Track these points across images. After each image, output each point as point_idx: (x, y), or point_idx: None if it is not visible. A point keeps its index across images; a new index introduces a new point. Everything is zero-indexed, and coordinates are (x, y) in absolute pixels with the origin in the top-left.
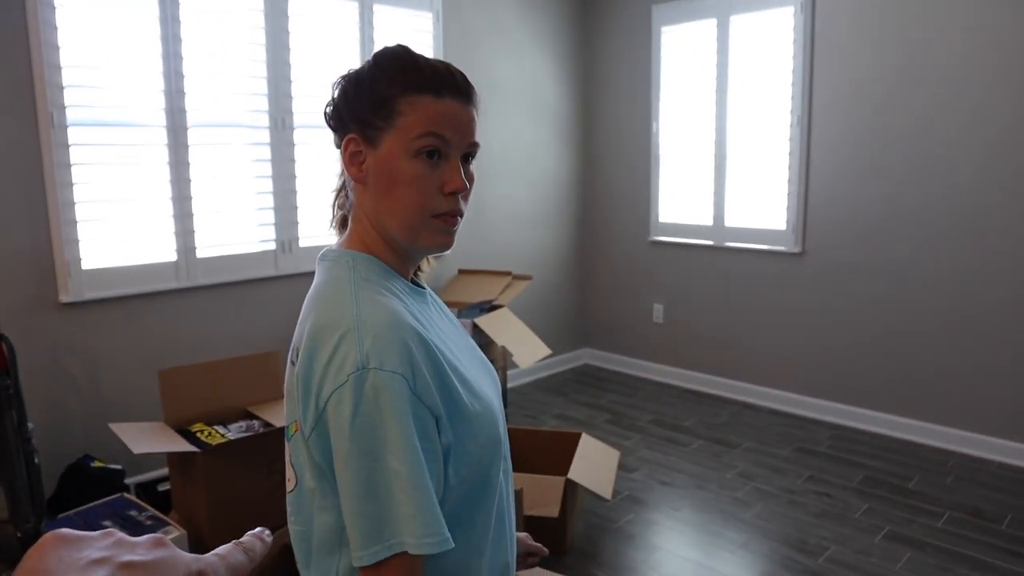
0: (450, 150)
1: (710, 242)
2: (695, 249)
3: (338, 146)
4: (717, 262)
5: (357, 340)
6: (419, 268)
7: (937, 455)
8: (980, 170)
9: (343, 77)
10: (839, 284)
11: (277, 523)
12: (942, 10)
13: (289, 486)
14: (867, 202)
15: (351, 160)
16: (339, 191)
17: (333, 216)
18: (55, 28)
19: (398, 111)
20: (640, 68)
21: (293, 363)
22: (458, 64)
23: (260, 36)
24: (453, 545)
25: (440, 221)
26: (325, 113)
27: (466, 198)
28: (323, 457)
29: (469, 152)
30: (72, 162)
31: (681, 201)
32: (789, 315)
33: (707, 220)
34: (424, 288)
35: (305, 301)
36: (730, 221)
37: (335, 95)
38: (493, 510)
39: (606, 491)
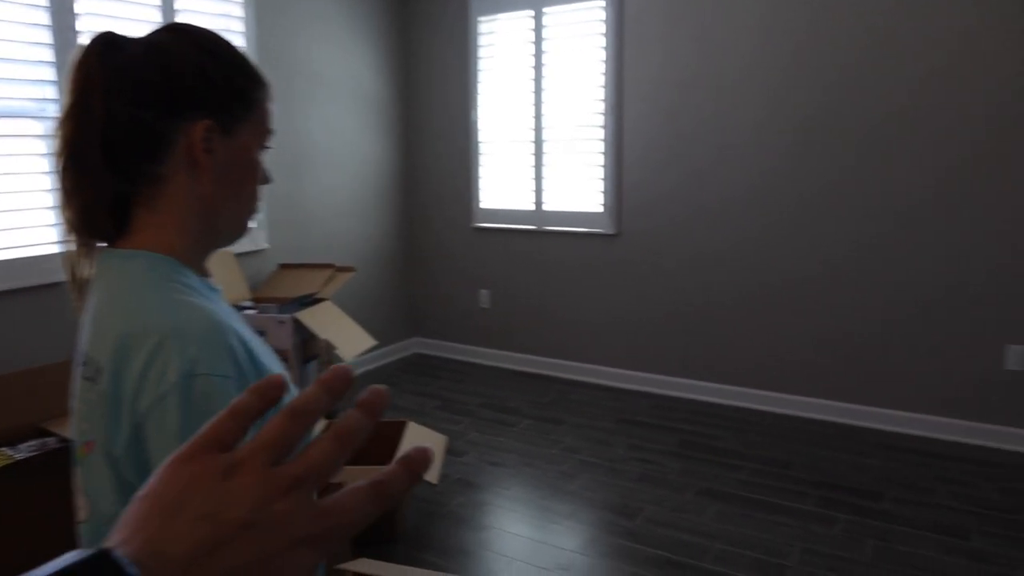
0: None
1: (532, 227)
2: (517, 234)
3: (152, 125)
4: (539, 246)
5: (179, 347)
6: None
7: (742, 415)
8: (773, 153)
9: (158, 52)
10: (651, 263)
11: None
12: (738, 3)
13: (81, 515)
14: (674, 185)
15: (202, 146)
16: (73, 195)
17: (72, 227)
18: None
19: (255, 102)
20: (458, 57)
21: (89, 378)
22: (274, 52)
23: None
24: None
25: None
26: (148, 81)
27: None
28: (138, 474)
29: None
30: None
31: (503, 187)
32: (608, 293)
33: (529, 205)
34: (217, 285)
35: (95, 308)
36: (550, 205)
37: (146, 72)
38: None
39: (433, 476)
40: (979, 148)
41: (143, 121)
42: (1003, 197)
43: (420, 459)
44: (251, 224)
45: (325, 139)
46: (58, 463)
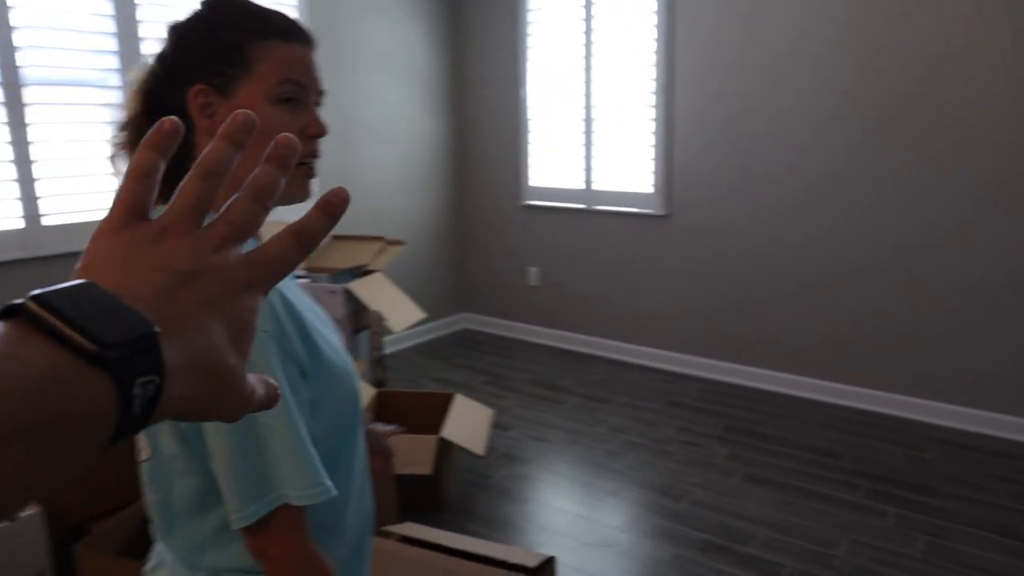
0: (307, 96)
1: (581, 206)
2: (567, 213)
3: (166, 96)
4: (588, 225)
5: None
6: None
7: (792, 402)
8: (828, 134)
9: (173, 27)
10: (702, 245)
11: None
12: None
13: (143, 455)
14: (726, 166)
15: (201, 112)
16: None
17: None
18: None
19: (252, 57)
20: (508, 33)
21: None
22: (323, 25)
23: None
24: (336, 493)
25: (302, 170)
26: (154, 68)
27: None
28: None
29: (318, 100)
30: None
31: (552, 165)
32: (657, 275)
33: (578, 184)
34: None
35: None
36: (600, 185)
37: (166, 47)
38: (356, 462)
39: (479, 448)
40: None
41: (164, 93)
42: None
43: (337, 202)
44: (291, 184)
45: (376, 113)
46: None
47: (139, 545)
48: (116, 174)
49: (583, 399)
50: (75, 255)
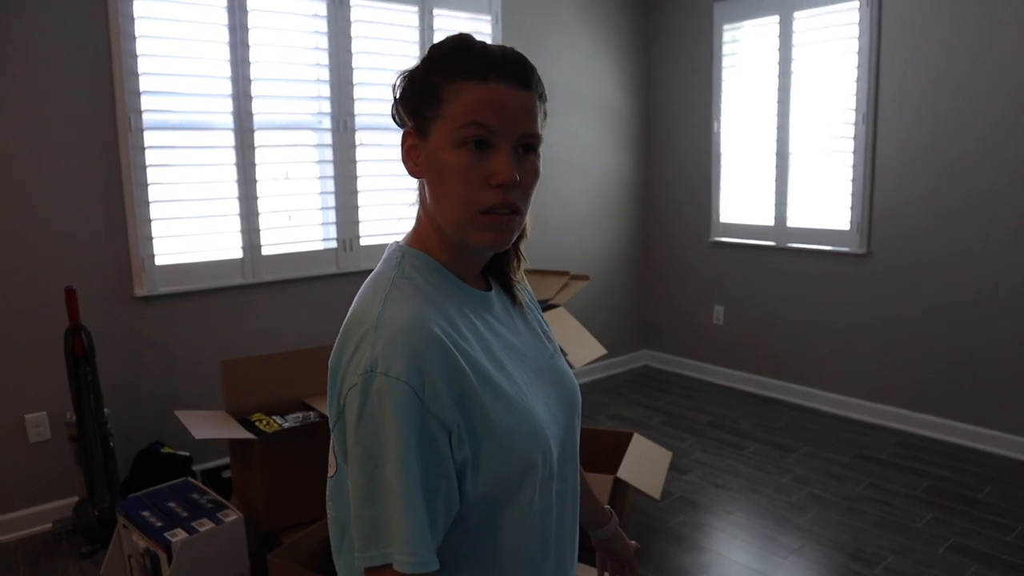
0: (498, 139)
1: (772, 243)
2: (756, 250)
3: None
4: (779, 263)
5: (373, 341)
6: (511, 264)
7: (1010, 466)
8: None
9: (401, 73)
10: (906, 286)
11: None
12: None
13: (330, 471)
14: (937, 199)
15: (408, 154)
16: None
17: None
18: (133, 38)
19: (444, 99)
20: (701, 67)
21: None
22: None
23: (324, 41)
24: (434, 568)
25: (489, 218)
26: (392, 113)
27: (526, 191)
28: (340, 449)
29: (529, 143)
30: (147, 163)
31: (742, 201)
32: (853, 318)
33: (768, 220)
34: (491, 288)
35: None
36: (792, 221)
37: (395, 93)
38: (525, 533)
39: (655, 491)
40: None
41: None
42: None
43: None
44: (478, 232)
45: (565, 149)
46: (317, 432)
47: (324, 558)
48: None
49: (766, 446)
50: (287, 282)
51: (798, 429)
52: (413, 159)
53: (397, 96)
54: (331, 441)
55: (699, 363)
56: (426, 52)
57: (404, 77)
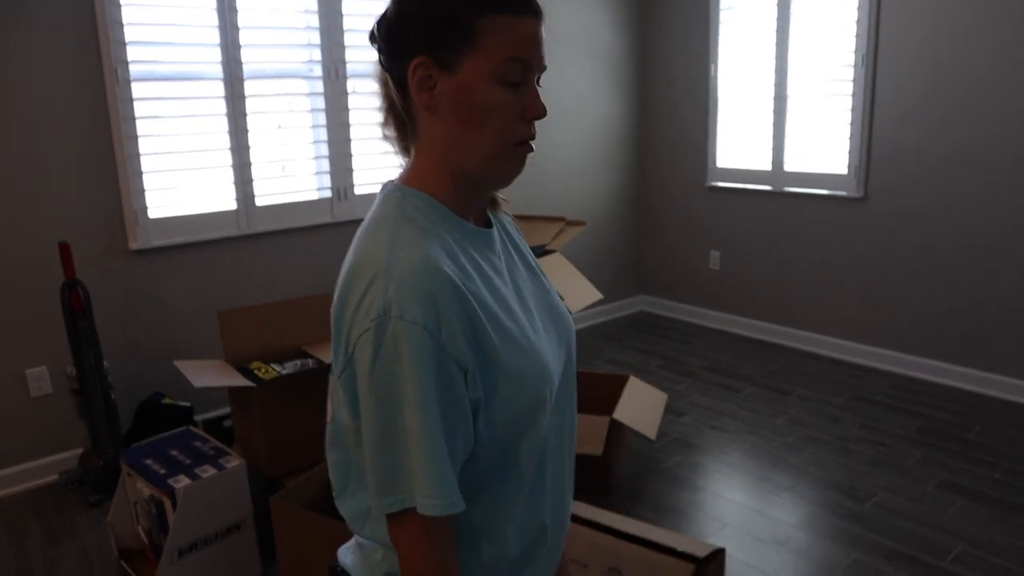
0: (530, 74)
1: (769, 187)
2: (753, 195)
3: (389, 68)
4: (776, 208)
5: (383, 285)
6: (495, 202)
7: (1001, 407)
8: None
9: None
10: (903, 229)
11: None
12: None
13: (328, 418)
14: (934, 144)
15: (420, 85)
16: (386, 118)
17: (394, 146)
18: None
19: (478, 32)
20: (698, 10)
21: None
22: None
23: None
24: (461, 509)
25: (520, 148)
26: (374, 32)
27: None
28: (349, 397)
29: (539, 78)
30: (136, 116)
31: (739, 146)
32: (850, 261)
33: (766, 165)
34: (492, 226)
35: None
36: (789, 166)
37: (389, 12)
38: (530, 469)
39: (651, 432)
40: None
41: (384, 64)
42: None
43: None
44: (508, 164)
45: (560, 95)
46: (315, 379)
47: (325, 500)
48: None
49: (762, 389)
50: (282, 232)
51: (794, 372)
52: (428, 91)
53: (392, 17)
54: (329, 388)
55: (696, 308)
56: None
57: (410, 2)
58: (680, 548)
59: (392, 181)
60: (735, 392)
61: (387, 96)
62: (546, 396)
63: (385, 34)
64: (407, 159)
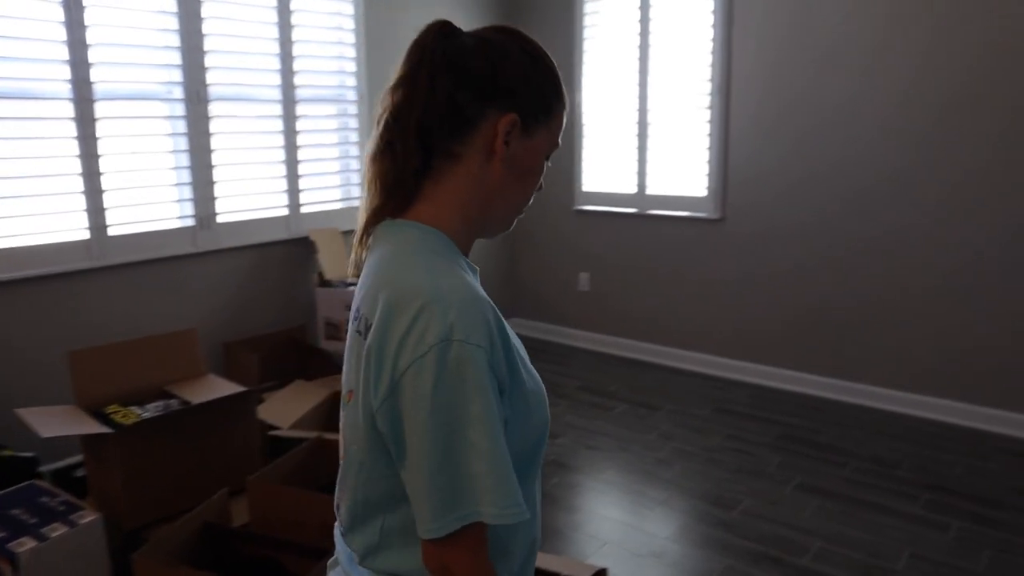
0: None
1: (634, 210)
2: (619, 217)
3: (464, 104)
4: (641, 230)
5: (440, 311)
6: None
7: (846, 409)
8: (900, 142)
9: (489, 43)
10: (757, 249)
11: (199, 500)
12: None
13: (341, 454)
14: (785, 169)
15: (505, 137)
16: (382, 156)
17: (372, 185)
18: None
19: (553, 113)
20: (562, 38)
21: (359, 332)
22: (380, 37)
23: (171, 4)
24: (529, 516)
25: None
26: (473, 68)
27: None
28: (391, 427)
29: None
30: None
31: (605, 170)
32: (711, 280)
33: (631, 188)
34: (476, 268)
35: (369, 270)
36: (652, 189)
37: (475, 59)
38: (535, 488)
39: None
40: None
41: (458, 101)
42: None
43: None
44: (513, 221)
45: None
46: (182, 420)
47: (195, 552)
48: (368, 167)
49: (633, 406)
50: (140, 264)
51: (663, 388)
52: (506, 144)
53: (500, 68)
54: (341, 424)
55: (567, 329)
56: (534, 49)
57: (524, 59)
58: (564, 572)
59: (393, 219)
60: (607, 411)
61: (397, 129)
62: (548, 417)
63: (479, 76)
64: (386, 196)
